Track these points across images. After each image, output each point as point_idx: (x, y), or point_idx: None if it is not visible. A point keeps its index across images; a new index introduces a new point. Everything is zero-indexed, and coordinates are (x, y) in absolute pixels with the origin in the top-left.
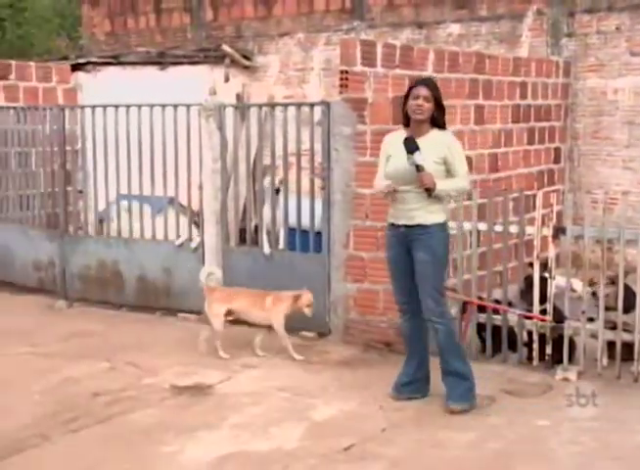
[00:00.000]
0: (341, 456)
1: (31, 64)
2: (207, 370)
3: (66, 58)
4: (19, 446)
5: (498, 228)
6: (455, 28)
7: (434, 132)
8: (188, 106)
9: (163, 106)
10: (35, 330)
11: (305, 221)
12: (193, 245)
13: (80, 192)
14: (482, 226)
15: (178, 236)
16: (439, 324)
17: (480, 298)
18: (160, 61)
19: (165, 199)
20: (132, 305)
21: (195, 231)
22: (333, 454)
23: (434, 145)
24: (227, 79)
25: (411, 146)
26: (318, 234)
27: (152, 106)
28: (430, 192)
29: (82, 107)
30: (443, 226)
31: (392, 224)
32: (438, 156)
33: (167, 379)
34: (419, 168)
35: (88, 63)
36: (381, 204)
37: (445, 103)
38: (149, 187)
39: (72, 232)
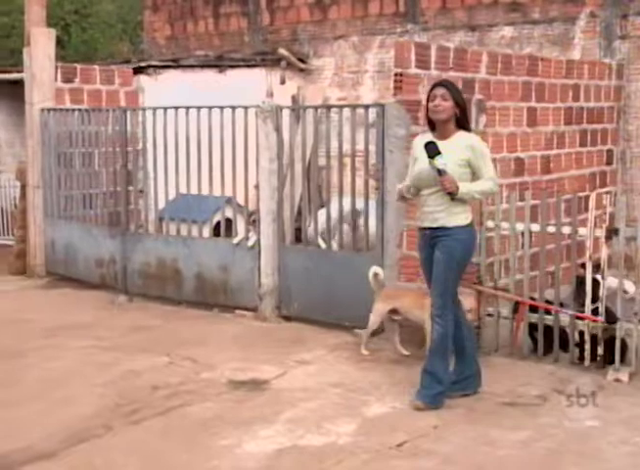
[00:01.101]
0: (393, 452)
1: (95, 67)
2: (263, 366)
3: (128, 61)
4: (83, 436)
5: (551, 229)
6: (508, 31)
7: (460, 134)
8: (246, 108)
9: (222, 108)
10: (98, 324)
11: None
12: (249, 243)
13: (141, 191)
14: (535, 227)
15: (235, 235)
16: (438, 324)
17: (532, 298)
18: (219, 64)
19: (223, 198)
20: (190, 302)
21: (251, 230)
22: (385, 450)
23: (458, 147)
24: (283, 82)
25: (432, 150)
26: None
27: (211, 108)
28: (452, 195)
29: (143, 109)
30: (466, 229)
31: (420, 227)
32: (462, 158)
33: (224, 374)
34: (441, 172)
35: (149, 66)
36: None
37: (498, 105)
38: (207, 187)
39: (133, 230)
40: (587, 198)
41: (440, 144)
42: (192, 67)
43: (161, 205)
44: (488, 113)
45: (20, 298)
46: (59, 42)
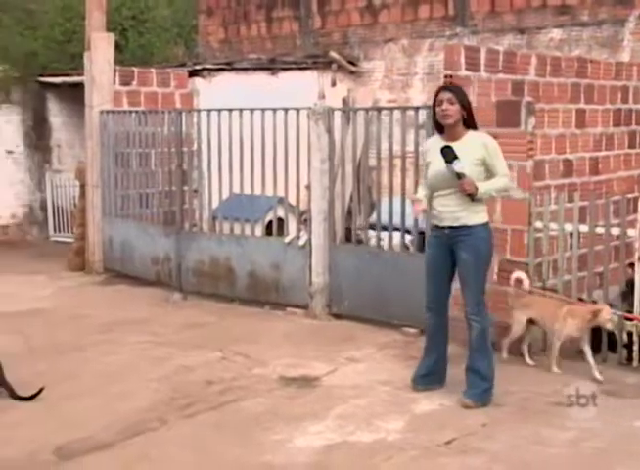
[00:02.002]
0: (442, 449)
1: (152, 70)
2: (314, 363)
3: (183, 64)
4: (138, 429)
5: (599, 230)
6: (556, 34)
7: (470, 134)
8: (298, 109)
9: (274, 109)
10: (153, 320)
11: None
12: (301, 242)
13: (195, 191)
14: (584, 228)
15: (287, 234)
16: (476, 322)
17: (580, 299)
18: (271, 67)
19: (275, 198)
20: (243, 299)
21: (302, 229)
22: (434, 447)
23: (472, 147)
24: (334, 84)
25: (449, 155)
26: (421, 234)
27: (263, 109)
28: (472, 197)
29: (198, 110)
30: (486, 226)
31: (436, 226)
32: (477, 157)
33: (276, 370)
34: (459, 176)
35: (204, 69)
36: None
37: (547, 107)
38: (260, 187)
39: (188, 229)
40: (636, 199)
41: (454, 145)
42: (245, 69)
43: (215, 204)
44: (537, 115)
45: (78, 293)
46: (117, 46)
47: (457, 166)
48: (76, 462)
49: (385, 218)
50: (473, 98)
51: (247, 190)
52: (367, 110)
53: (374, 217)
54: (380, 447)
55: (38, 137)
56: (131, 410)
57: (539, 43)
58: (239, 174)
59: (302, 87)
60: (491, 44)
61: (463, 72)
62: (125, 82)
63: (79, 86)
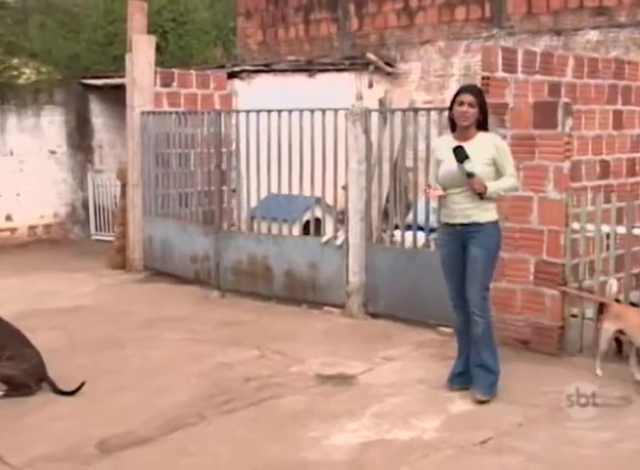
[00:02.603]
0: (477, 448)
1: (191, 72)
2: (350, 361)
3: (222, 66)
4: (178, 424)
5: (636, 231)
6: (593, 35)
7: (481, 135)
8: (335, 110)
9: (312, 110)
10: (192, 318)
11: None
12: (338, 242)
13: (234, 191)
14: (620, 229)
15: (324, 233)
16: (480, 317)
17: (616, 300)
18: (309, 68)
19: (312, 198)
20: (280, 298)
21: (339, 229)
22: (470, 446)
23: (483, 147)
24: (371, 85)
25: (461, 155)
26: None
27: (301, 110)
28: (481, 195)
29: (237, 111)
30: (496, 224)
31: (447, 223)
32: (487, 157)
33: (313, 368)
34: (469, 175)
35: (242, 71)
36: (520, 206)
37: (584, 108)
38: (297, 187)
39: (226, 228)
40: None
41: (465, 145)
42: (283, 71)
43: (253, 204)
44: (574, 116)
45: (119, 291)
46: (157, 49)
47: (468, 166)
48: (117, 456)
49: (421, 218)
50: (510, 99)
51: (284, 190)
52: (404, 111)
53: (410, 217)
54: (416, 446)
55: (81, 137)
56: (171, 406)
57: (576, 44)
58: (277, 174)
59: (339, 89)
60: (528, 45)
61: (500, 74)
62: (166, 84)
63: (121, 88)
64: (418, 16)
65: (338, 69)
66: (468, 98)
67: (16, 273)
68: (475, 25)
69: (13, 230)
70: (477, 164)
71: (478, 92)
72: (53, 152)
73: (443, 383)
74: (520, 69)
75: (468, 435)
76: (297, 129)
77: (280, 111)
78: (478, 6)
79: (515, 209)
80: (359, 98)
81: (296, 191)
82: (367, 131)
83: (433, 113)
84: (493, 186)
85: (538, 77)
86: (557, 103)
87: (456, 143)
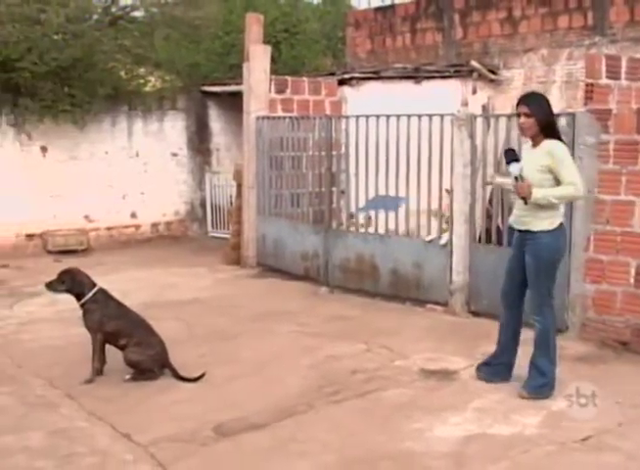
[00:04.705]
0: (577, 446)
1: (304, 79)
2: (453, 357)
3: (332, 74)
4: (289, 412)
5: None
6: None
7: (544, 142)
8: (441, 116)
9: (419, 116)
10: (302, 312)
11: None
12: (442, 242)
13: (343, 192)
14: None
15: (428, 234)
16: (537, 322)
17: None
18: (415, 75)
19: (418, 200)
20: (385, 295)
21: (444, 230)
22: (570, 443)
23: (539, 154)
24: (474, 92)
25: (508, 158)
26: None
27: (408, 116)
28: (525, 200)
29: (347, 117)
30: (552, 233)
31: (512, 228)
32: (541, 164)
33: (417, 363)
34: (517, 178)
35: (352, 78)
36: (621, 210)
37: None
38: (403, 189)
39: (335, 227)
40: None
41: (530, 152)
42: (390, 78)
43: (361, 204)
44: None
45: (234, 285)
46: (271, 58)
47: (513, 169)
48: (233, 440)
49: None
50: (613, 105)
51: (391, 192)
52: (509, 116)
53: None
54: (517, 441)
55: (200, 141)
56: (282, 395)
57: None
58: (384, 177)
59: (444, 95)
60: (630, 53)
61: (604, 80)
62: (280, 90)
63: (237, 94)
64: (521, 24)
65: (443, 76)
66: (523, 109)
67: (140, 267)
68: (577, 33)
69: (137, 227)
70: (530, 170)
71: (533, 101)
72: (175, 154)
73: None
74: (623, 75)
75: (568, 432)
76: (404, 134)
77: (388, 116)
78: (580, 14)
79: (616, 213)
80: (464, 104)
81: (401, 193)
82: (472, 136)
83: None
84: (541, 192)
85: None
86: None
87: (531, 150)
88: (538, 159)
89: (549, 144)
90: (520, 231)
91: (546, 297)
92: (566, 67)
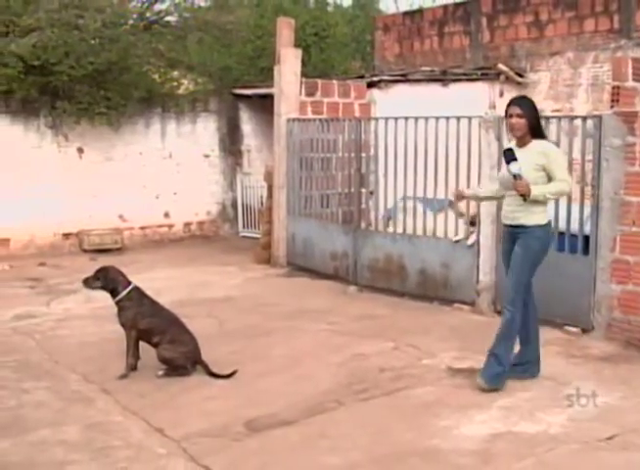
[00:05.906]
0: (602, 444)
1: (334, 82)
2: (479, 356)
3: (361, 77)
4: (319, 408)
5: None
6: None
7: (534, 142)
8: (469, 118)
9: (447, 118)
10: (331, 311)
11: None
12: (469, 242)
13: (371, 193)
14: None
15: (456, 234)
16: (508, 311)
17: None
18: (443, 78)
19: (445, 200)
20: (413, 294)
21: (472, 230)
22: (595, 442)
23: (533, 154)
24: (501, 95)
25: (508, 157)
26: (586, 237)
27: (437, 118)
28: (524, 197)
29: (376, 119)
30: (543, 227)
31: (503, 223)
32: (537, 163)
33: (444, 361)
34: (516, 177)
35: (380, 81)
36: None
37: None
38: (431, 190)
39: (364, 228)
40: None
41: (519, 151)
42: (419, 81)
43: (390, 205)
44: None
45: (264, 284)
46: (301, 61)
47: (513, 168)
48: (264, 435)
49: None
50: (639, 108)
51: (419, 193)
52: None
53: None
54: (542, 439)
55: (231, 142)
56: (312, 391)
57: None
58: (412, 178)
59: (471, 97)
60: None
61: (630, 83)
62: (310, 93)
63: (267, 97)
64: (548, 28)
65: (470, 78)
66: (515, 110)
67: (173, 265)
68: (603, 37)
69: (170, 226)
70: (526, 168)
71: (524, 103)
72: (207, 155)
73: (569, 379)
74: None
75: (593, 431)
76: (432, 136)
77: (416, 118)
78: (606, 18)
79: None
80: (492, 106)
81: (429, 194)
82: (499, 138)
83: (563, 121)
84: (538, 189)
85: None
86: None
87: (521, 149)
88: (534, 158)
89: (542, 144)
90: (511, 226)
91: (522, 288)
92: (592, 69)
